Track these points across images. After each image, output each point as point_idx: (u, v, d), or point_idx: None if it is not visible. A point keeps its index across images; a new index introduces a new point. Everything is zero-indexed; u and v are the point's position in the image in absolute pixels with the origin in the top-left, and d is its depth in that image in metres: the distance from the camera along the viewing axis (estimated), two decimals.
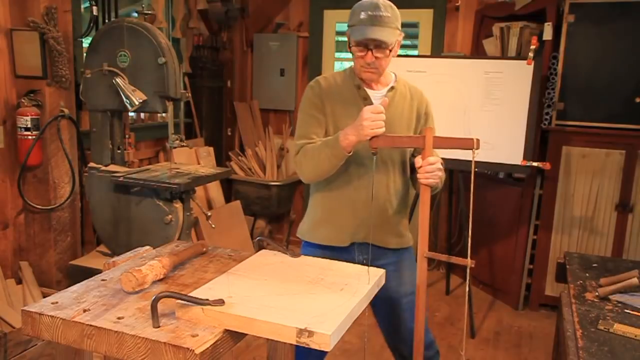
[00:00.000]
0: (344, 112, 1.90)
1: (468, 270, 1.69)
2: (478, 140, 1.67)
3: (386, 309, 2.02)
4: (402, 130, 1.93)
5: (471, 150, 1.67)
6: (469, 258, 1.66)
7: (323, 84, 1.95)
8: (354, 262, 1.76)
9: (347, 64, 7.31)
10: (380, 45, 1.80)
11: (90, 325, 1.27)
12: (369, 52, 1.82)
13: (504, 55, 3.74)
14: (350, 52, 1.88)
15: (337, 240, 1.96)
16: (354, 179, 1.91)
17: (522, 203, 3.68)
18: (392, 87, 1.96)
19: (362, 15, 1.79)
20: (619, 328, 1.65)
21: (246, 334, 1.31)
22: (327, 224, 1.99)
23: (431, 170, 1.73)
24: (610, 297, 1.90)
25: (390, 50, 1.84)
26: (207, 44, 4.47)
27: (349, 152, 1.78)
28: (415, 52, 4.55)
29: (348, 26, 1.86)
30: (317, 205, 2.03)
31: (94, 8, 3.23)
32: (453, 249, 4.11)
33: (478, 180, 3.91)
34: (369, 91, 1.93)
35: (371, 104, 1.89)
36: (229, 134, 4.79)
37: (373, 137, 1.72)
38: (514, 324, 3.56)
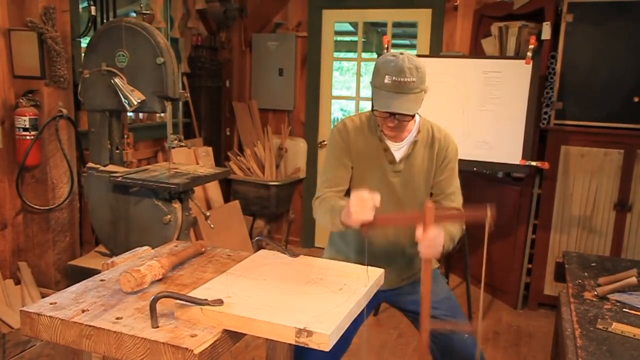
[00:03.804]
0: (366, 159, 1.93)
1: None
2: (493, 211, 1.55)
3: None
4: (420, 180, 1.94)
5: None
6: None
7: (350, 126, 1.96)
8: (379, 305, 1.72)
9: (345, 64, 7.33)
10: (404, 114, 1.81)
11: (89, 326, 1.27)
12: (393, 117, 1.82)
13: (502, 55, 3.74)
14: (373, 111, 1.88)
15: None
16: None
17: (520, 202, 3.68)
18: (415, 141, 1.95)
19: (387, 80, 1.76)
20: (617, 327, 1.66)
21: (245, 334, 1.31)
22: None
23: (431, 245, 1.66)
24: (609, 296, 1.90)
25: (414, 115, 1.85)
26: (205, 43, 4.46)
27: (346, 229, 1.78)
28: (414, 52, 4.55)
29: (371, 84, 1.84)
30: (334, 244, 2.09)
31: (93, 8, 3.23)
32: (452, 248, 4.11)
33: (477, 180, 3.91)
34: (389, 143, 1.94)
35: (391, 155, 1.93)
36: (228, 134, 4.78)
37: (364, 224, 1.66)
38: (513, 323, 3.57)
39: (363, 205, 1.64)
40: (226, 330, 1.29)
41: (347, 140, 1.93)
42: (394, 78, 1.75)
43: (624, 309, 1.80)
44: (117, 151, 3.03)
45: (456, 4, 4.13)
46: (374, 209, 1.64)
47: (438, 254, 1.71)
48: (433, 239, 1.64)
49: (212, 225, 3.12)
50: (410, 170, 1.93)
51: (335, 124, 2.03)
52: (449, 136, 2.00)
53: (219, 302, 1.31)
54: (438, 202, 1.96)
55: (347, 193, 2.01)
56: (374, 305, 2.07)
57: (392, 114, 1.80)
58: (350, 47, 6.06)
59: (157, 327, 1.27)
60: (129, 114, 3.44)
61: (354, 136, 1.94)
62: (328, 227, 1.88)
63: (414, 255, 1.99)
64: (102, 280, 1.55)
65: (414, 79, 1.76)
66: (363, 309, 1.49)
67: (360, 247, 1.94)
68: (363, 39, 4.79)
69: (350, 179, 1.95)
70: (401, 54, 1.80)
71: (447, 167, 1.98)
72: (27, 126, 2.84)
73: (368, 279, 1.55)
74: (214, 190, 4.25)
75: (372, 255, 1.89)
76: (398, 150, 1.94)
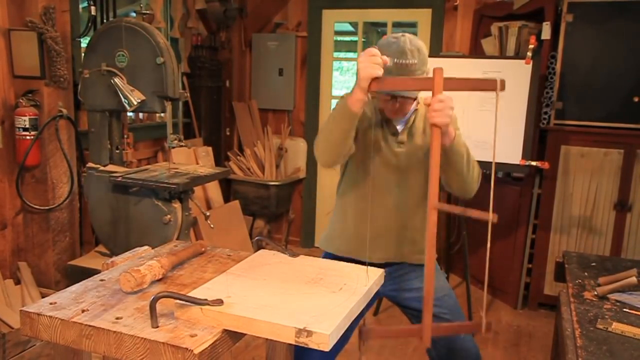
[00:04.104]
0: (370, 129, 1.91)
1: (490, 227, 1.55)
2: (503, 81, 1.50)
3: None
4: (423, 151, 1.91)
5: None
6: (490, 212, 1.52)
7: None
8: (379, 303, 1.67)
9: (345, 64, 7.33)
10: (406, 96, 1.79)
11: (89, 326, 1.27)
12: (395, 100, 1.80)
13: (502, 55, 3.74)
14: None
15: (352, 253, 1.95)
16: (374, 194, 1.91)
17: (520, 202, 3.68)
18: (415, 110, 1.94)
19: (389, 62, 1.71)
20: (617, 327, 1.66)
21: (245, 334, 1.31)
22: (343, 236, 2.00)
23: (440, 108, 1.58)
24: (609, 296, 1.90)
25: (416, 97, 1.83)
26: (205, 43, 4.46)
27: (356, 111, 1.69)
28: None
29: None
30: (337, 216, 2.06)
31: (92, 8, 3.23)
32: (452, 248, 4.12)
33: None
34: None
35: (394, 126, 1.92)
36: (228, 133, 4.78)
37: (372, 82, 1.60)
38: (512, 323, 3.57)
39: (371, 60, 1.61)
40: (226, 330, 1.29)
41: None
42: (395, 60, 1.73)
43: (624, 309, 1.80)
44: (117, 151, 3.03)
45: (456, 4, 4.13)
46: (382, 65, 1.61)
47: (447, 121, 1.62)
48: (442, 103, 1.57)
49: (212, 225, 3.12)
50: (412, 140, 1.92)
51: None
52: None
53: (219, 302, 1.31)
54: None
55: (346, 180, 2.00)
56: (375, 298, 2.05)
57: (394, 96, 1.78)
58: (350, 47, 6.06)
59: (157, 327, 1.27)
60: (129, 114, 3.44)
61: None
62: (334, 129, 1.76)
63: (415, 227, 1.97)
64: (102, 280, 1.55)
65: (416, 61, 1.74)
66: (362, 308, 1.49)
67: (360, 219, 1.93)
68: (363, 39, 4.79)
69: (358, 137, 1.89)
70: (402, 35, 1.78)
71: None
72: (27, 126, 2.84)
73: (368, 278, 1.55)
74: (214, 190, 4.25)
75: (373, 226, 1.90)
76: (398, 122, 1.93)
